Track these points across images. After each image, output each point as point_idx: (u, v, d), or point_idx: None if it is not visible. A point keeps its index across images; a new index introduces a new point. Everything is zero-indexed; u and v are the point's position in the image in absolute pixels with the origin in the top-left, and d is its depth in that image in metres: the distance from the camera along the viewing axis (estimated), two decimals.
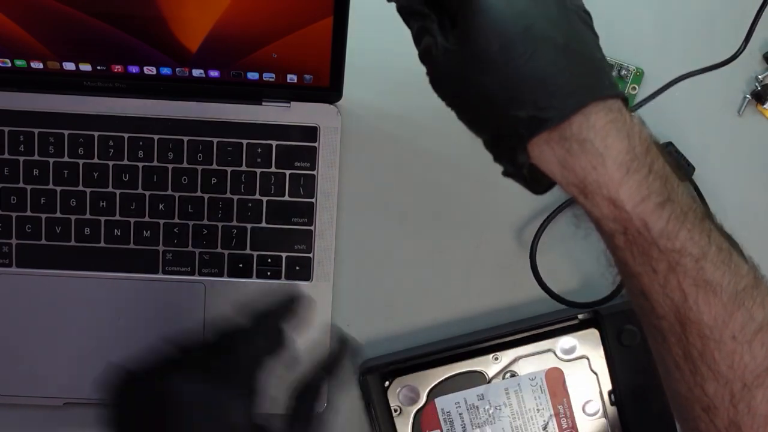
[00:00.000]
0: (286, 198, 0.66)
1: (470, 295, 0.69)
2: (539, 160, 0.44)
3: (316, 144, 0.66)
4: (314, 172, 0.66)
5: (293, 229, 0.67)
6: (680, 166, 0.67)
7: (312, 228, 0.67)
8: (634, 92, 0.68)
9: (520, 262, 0.68)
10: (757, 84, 0.69)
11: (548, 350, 0.65)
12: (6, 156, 0.65)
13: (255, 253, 0.67)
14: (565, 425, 0.65)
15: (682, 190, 0.45)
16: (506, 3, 0.43)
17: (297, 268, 0.67)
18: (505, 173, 0.46)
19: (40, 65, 0.62)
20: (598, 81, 0.44)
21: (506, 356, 0.65)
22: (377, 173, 0.68)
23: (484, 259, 0.69)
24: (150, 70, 0.63)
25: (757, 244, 0.68)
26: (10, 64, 0.62)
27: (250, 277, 0.67)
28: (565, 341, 0.65)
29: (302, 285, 0.67)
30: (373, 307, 0.69)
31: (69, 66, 0.63)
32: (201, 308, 0.67)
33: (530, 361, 0.65)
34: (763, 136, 0.69)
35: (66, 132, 0.65)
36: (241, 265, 0.67)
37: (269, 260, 0.67)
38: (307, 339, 0.66)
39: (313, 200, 0.66)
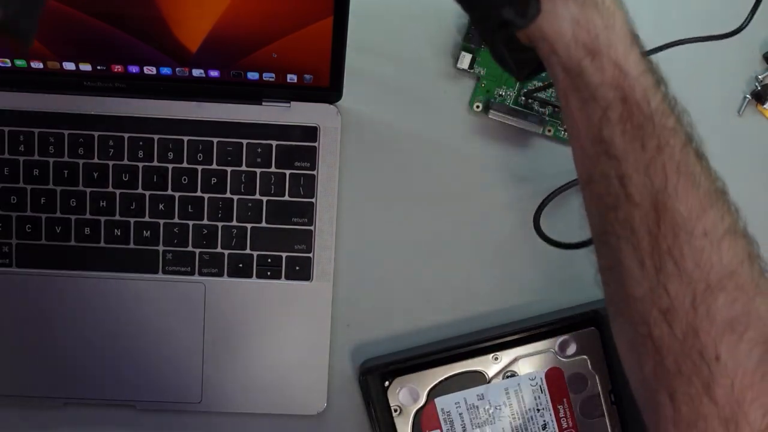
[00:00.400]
0: (286, 198, 0.66)
1: (470, 295, 0.69)
2: (550, 17, 0.44)
3: (316, 144, 0.66)
4: (314, 172, 0.66)
5: (293, 229, 0.67)
6: None
7: (312, 228, 0.67)
8: None
9: (521, 263, 0.68)
10: (757, 84, 0.69)
11: (548, 350, 0.65)
12: (6, 156, 0.65)
13: (255, 253, 0.67)
14: (565, 425, 0.65)
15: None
16: None
17: (297, 267, 0.67)
18: (496, 51, 0.46)
19: (40, 65, 0.62)
20: None
21: (506, 356, 0.65)
22: (377, 173, 0.68)
23: (484, 259, 0.69)
24: (150, 70, 0.63)
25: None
26: (10, 64, 0.62)
27: (250, 277, 0.67)
28: (565, 341, 0.65)
29: (302, 285, 0.67)
30: (374, 307, 0.69)
31: (69, 66, 0.63)
32: (201, 308, 0.67)
33: (530, 360, 0.65)
34: (763, 136, 0.69)
35: (66, 132, 0.65)
36: (241, 265, 0.67)
37: (269, 260, 0.67)
38: (307, 338, 0.67)
39: (313, 200, 0.66)
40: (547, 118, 0.67)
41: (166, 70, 0.63)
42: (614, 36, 0.43)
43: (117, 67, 0.63)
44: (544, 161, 0.68)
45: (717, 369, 0.43)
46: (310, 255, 0.67)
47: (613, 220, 0.46)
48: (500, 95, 0.68)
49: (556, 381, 0.65)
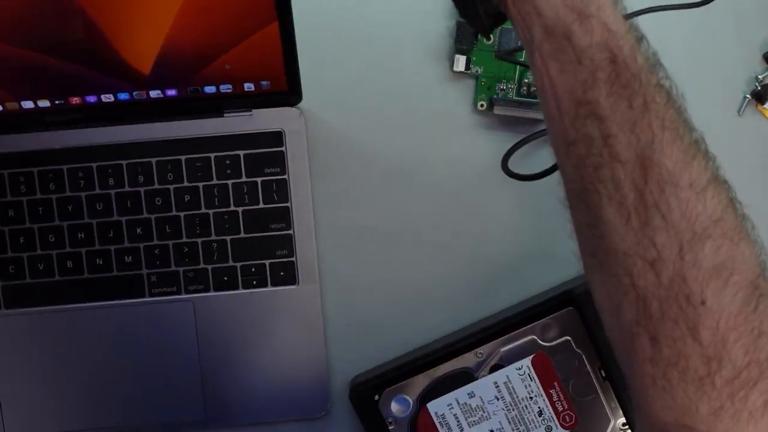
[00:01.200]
0: (261, 205, 0.66)
1: (446, 293, 0.69)
2: None
3: (282, 148, 0.66)
4: (285, 177, 0.66)
5: (272, 236, 0.67)
6: None
7: (291, 232, 0.67)
8: None
9: (493, 251, 0.69)
10: (757, 84, 0.68)
11: (530, 337, 0.65)
12: None
13: (238, 264, 0.67)
14: (560, 408, 0.65)
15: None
16: None
17: (282, 273, 0.67)
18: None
19: (0, 108, 0.63)
20: None
21: (489, 350, 0.65)
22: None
23: (457, 250, 0.69)
24: (108, 98, 0.63)
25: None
26: None
27: (237, 288, 0.67)
28: (545, 325, 0.65)
29: (290, 289, 0.67)
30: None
31: (28, 104, 0.63)
32: (192, 325, 0.67)
33: (514, 351, 0.65)
34: (764, 136, 0.69)
35: (35, 170, 0.66)
36: (226, 278, 0.67)
37: (253, 269, 0.67)
38: (302, 341, 0.67)
39: (288, 204, 0.66)
40: None
41: (123, 96, 0.63)
42: None
43: (75, 99, 0.63)
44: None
45: (703, 312, 0.43)
46: (293, 259, 0.67)
47: (595, 179, 0.46)
48: (502, 89, 0.68)
49: (543, 366, 0.65)
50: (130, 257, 0.66)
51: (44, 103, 0.63)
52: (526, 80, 0.68)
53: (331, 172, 0.68)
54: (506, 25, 0.66)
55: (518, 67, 0.67)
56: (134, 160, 0.66)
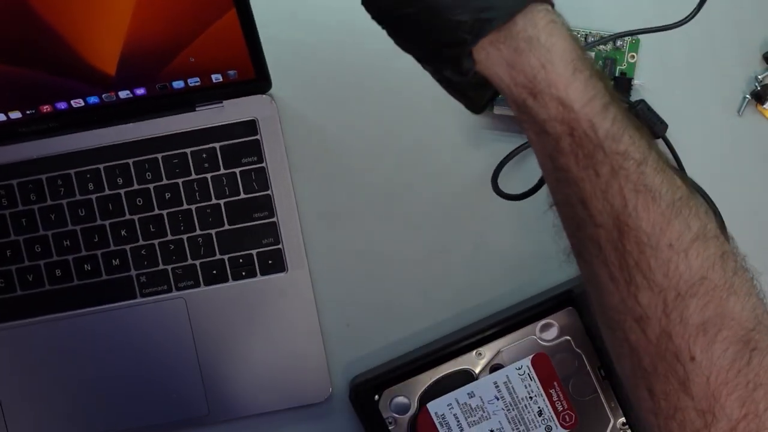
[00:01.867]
0: (242, 196, 0.66)
1: (447, 294, 0.69)
2: (485, 64, 0.44)
3: (257, 137, 0.66)
4: (263, 165, 0.66)
5: (257, 225, 0.67)
6: (654, 123, 0.66)
7: (274, 219, 0.67)
8: (633, 60, 0.67)
9: (492, 252, 0.68)
10: (756, 84, 0.68)
11: (529, 337, 0.65)
12: None
13: (226, 257, 0.67)
14: (560, 408, 0.64)
15: (619, 99, 0.46)
16: None
17: (270, 261, 0.67)
18: (449, 86, 0.46)
19: None
20: None
21: (489, 350, 0.65)
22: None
23: (457, 250, 0.68)
24: (78, 103, 0.63)
25: (757, 244, 0.68)
26: None
27: (227, 281, 0.67)
28: (545, 325, 0.65)
29: (279, 276, 0.67)
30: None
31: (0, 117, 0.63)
32: (186, 322, 0.67)
33: (513, 350, 0.65)
34: (763, 136, 0.69)
35: (14, 182, 0.66)
36: (215, 272, 0.67)
37: (241, 260, 0.67)
38: (297, 327, 0.67)
39: (269, 192, 0.66)
40: None
41: (93, 99, 0.63)
42: (552, 73, 0.43)
43: (45, 107, 0.63)
44: None
45: (692, 368, 0.44)
46: (280, 246, 0.67)
47: (583, 238, 0.46)
48: None
49: (543, 366, 0.64)
50: (117, 260, 0.67)
51: (16, 115, 0.63)
52: None
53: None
54: None
55: None
56: (111, 163, 0.66)
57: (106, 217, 0.66)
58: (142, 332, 0.67)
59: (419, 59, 0.46)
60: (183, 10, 0.57)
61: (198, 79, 0.63)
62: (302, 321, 0.67)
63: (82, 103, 0.63)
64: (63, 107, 0.63)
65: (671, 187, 0.44)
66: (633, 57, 0.67)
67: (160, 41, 0.59)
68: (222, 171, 0.66)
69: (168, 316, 0.67)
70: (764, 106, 0.68)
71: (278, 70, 0.64)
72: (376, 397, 0.65)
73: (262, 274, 0.67)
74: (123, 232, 0.66)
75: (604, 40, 0.65)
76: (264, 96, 0.66)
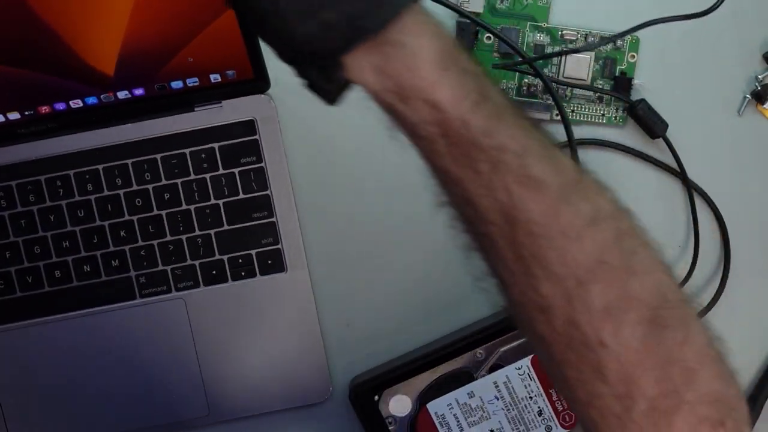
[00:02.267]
0: (241, 196, 0.66)
1: (446, 294, 0.68)
2: (354, 71, 0.43)
3: (256, 137, 0.66)
4: (262, 165, 0.66)
5: (256, 225, 0.67)
6: (655, 122, 0.67)
7: (274, 219, 0.66)
8: (633, 60, 0.67)
9: None
10: (757, 84, 0.68)
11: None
12: None
13: (225, 257, 0.67)
14: (560, 408, 0.64)
15: (497, 90, 0.45)
16: None
17: (269, 261, 0.67)
18: (310, 86, 0.45)
19: None
20: None
21: (488, 350, 0.65)
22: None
23: (456, 250, 0.68)
24: (77, 104, 0.63)
25: (756, 244, 0.69)
26: None
27: (226, 281, 0.67)
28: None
29: (279, 277, 0.67)
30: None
31: None
32: (186, 322, 0.67)
33: (513, 350, 0.65)
34: (763, 136, 0.69)
35: (13, 183, 0.66)
36: (214, 272, 0.67)
37: (240, 261, 0.67)
38: (297, 327, 0.67)
39: (268, 192, 0.66)
40: (551, 103, 0.67)
41: (92, 100, 0.63)
42: (418, 77, 0.42)
43: (44, 108, 0.63)
44: None
45: (603, 353, 0.43)
46: (279, 246, 0.67)
47: (477, 235, 0.46)
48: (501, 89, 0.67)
49: (543, 366, 0.64)
50: (116, 261, 0.67)
51: (14, 116, 0.63)
52: (526, 81, 0.67)
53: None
54: (505, 25, 0.66)
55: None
56: (110, 164, 0.66)
57: (105, 218, 0.66)
58: (141, 333, 0.67)
59: (282, 58, 0.44)
60: (181, 10, 0.57)
61: (197, 79, 0.63)
62: (302, 321, 0.67)
63: (81, 104, 0.63)
64: (61, 108, 0.63)
65: (557, 174, 0.43)
66: (633, 57, 0.67)
67: (159, 41, 0.59)
68: (221, 171, 0.66)
69: (168, 317, 0.67)
70: (764, 105, 0.68)
71: (277, 70, 0.64)
72: (376, 397, 0.65)
73: (262, 274, 0.67)
74: (122, 233, 0.66)
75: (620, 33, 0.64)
76: (263, 96, 0.66)
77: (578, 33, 0.67)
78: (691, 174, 0.68)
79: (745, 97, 0.68)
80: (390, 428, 0.65)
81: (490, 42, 0.67)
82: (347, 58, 0.43)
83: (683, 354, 0.43)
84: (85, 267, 0.66)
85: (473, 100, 0.43)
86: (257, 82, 0.64)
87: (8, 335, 0.67)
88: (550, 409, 0.64)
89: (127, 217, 0.66)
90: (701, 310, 0.67)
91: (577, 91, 0.67)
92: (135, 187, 0.66)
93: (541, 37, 0.67)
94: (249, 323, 0.67)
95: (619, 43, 0.67)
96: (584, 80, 0.67)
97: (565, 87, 0.67)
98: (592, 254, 0.43)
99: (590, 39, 0.67)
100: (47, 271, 0.66)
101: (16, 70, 0.59)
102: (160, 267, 0.67)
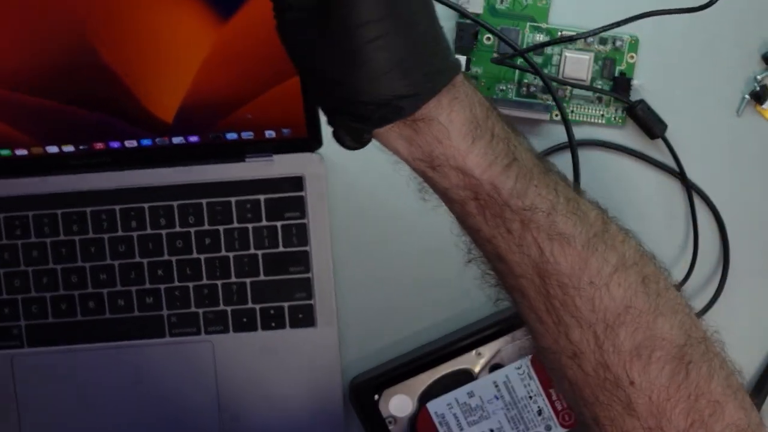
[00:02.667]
0: (281, 249, 0.67)
1: (446, 294, 0.69)
2: (383, 138, 0.45)
3: (303, 193, 0.67)
4: (305, 221, 0.67)
5: (292, 279, 0.67)
6: (654, 123, 0.67)
7: (309, 275, 0.67)
8: (632, 61, 0.67)
9: None
10: (756, 84, 0.68)
11: (529, 336, 0.65)
12: (4, 241, 0.66)
13: (257, 306, 0.67)
14: (560, 407, 0.65)
15: (525, 148, 0.46)
16: None
17: (300, 315, 0.68)
18: (336, 136, 0.46)
19: (25, 152, 0.64)
20: (446, 60, 0.44)
21: (488, 350, 0.65)
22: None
23: (457, 250, 0.68)
24: (131, 144, 0.64)
25: (755, 244, 0.69)
26: None
27: (256, 329, 0.68)
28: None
29: (308, 331, 0.67)
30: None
31: (52, 149, 0.64)
32: (212, 366, 0.68)
33: (513, 349, 0.65)
34: (762, 137, 0.69)
35: (59, 211, 0.66)
36: (245, 320, 0.68)
37: (272, 311, 0.67)
38: (318, 383, 0.68)
39: (307, 248, 0.67)
40: (551, 103, 0.67)
41: (146, 142, 0.64)
42: (450, 147, 0.44)
43: (99, 144, 0.64)
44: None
45: (633, 391, 0.45)
46: (312, 302, 0.67)
47: (506, 286, 0.48)
48: (501, 90, 0.68)
49: (542, 366, 0.64)
50: (150, 298, 0.67)
51: (69, 148, 0.64)
52: (525, 81, 0.67)
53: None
54: (505, 25, 0.67)
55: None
56: (156, 203, 0.66)
57: (144, 256, 0.67)
58: (166, 371, 0.68)
59: (318, 105, 0.46)
60: (249, 70, 0.58)
61: (252, 133, 0.64)
62: (325, 379, 0.68)
63: (135, 144, 0.64)
64: (116, 146, 0.64)
65: (584, 227, 0.46)
66: (632, 57, 0.67)
67: (221, 97, 0.60)
68: (264, 222, 0.67)
69: (194, 358, 0.68)
70: (763, 106, 0.68)
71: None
72: (376, 396, 0.65)
73: (292, 327, 0.68)
74: (159, 272, 0.67)
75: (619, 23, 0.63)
76: (314, 154, 0.66)
77: (578, 33, 0.66)
78: (690, 174, 0.68)
79: (744, 98, 0.68)
80: (390, 428, 0.65)
81: (490, 42, 0.67)
82: (379, 129, 0.44)
83: (709, 387, 0.45)
84: (119, 301, 0.67)
85: (503, 164, 0.45)
86: (310, 140, 0.65)
87: (37, 357, 0.67)
88: (550, 409, 0.65)
89: (166, 257, 0.67)
90: (700, 310, 0.68)
91: (576, 91, 0.68)
92: (178, 229, 0.67)
93: (541, 38, 0.67)
94: (273, 374, 0.68)
95: (618, 43, 0.67)
96: (584, 80, 0.67)
97: (565, 87, 0.67)
98: (619, 300, 0.45)
99: (589, 39, 0.67)
100: (81, 301, 0.67)
101: (77, 109, 0.60)
102: (193, 309, 0.68)
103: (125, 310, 0.67)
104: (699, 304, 0.68)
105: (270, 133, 0.64)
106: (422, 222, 0.69)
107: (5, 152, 0.64)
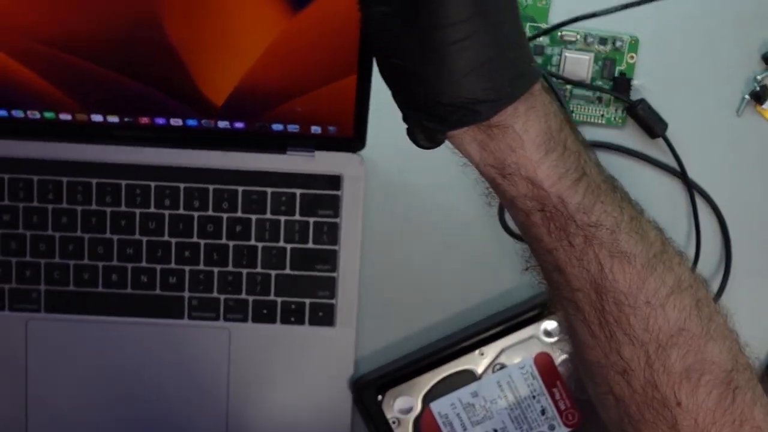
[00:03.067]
0: (310, 245, 0.67)
1: (449, 294, 0.69)
2: (456, 141, 0.45)
3: (339, 192, 0.67)
4: (338, 220, 0.67)
5: (317, 276, 0.67)
6: (655, 122, 0.67)
7: (335, 275, 0.67)
8: (632, 61, 0.67)
9: (497, 254, 0.69)
10: (756, 84, 0.68)
11: (532, 336, 0.65)
12: (34, 204, 0.66)
13: (279, 299, 0.67)
14: (563, 407, 0.65)
15: (594, 163, 0.47)
16: None
17: (320, 314, 0.67)
18: (410, 134, 0.46)
19: (69, 117, 0.63)
20: (528, 67, 0.44)
21: (491, 350, 0.66)
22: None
23: (460, 251, 0.69)
24: (176, 122, 0.64)
25: (757, 244, 0.70)
26: (39, 116, 0.63)
27: (274, 322, 0.68)
28: (547, 324, 0.65)
29: (326, 330, 0.67)
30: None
31: (97, 118, 0.63)
32: (226, 353, 0.68)
33: (516, 350, 0.66)
34: (762, 137, 0.69)
35: (94, 181, 0.66)
36: (265, 311, 0.67)
37: (293, 306, 0.67)
38: (331, 383, 0.67)
39: (336, 248, 0.67)
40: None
41: (192, 122, 0.64)
42: (522, 156, 0.44)
43: (144, 118, 0.64)
44: None
45: (679, 412, 0.46)
46: (334, 302, 0.67)
47: (560, 297, 0.48)
48: None
49: (546, 365, 0.65)
50: (174, 278, 0.67)
51: (113, 119, 0.64)
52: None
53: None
54: None
55: None
56: (192, 185, 0.66)
57: (174, 235, 0.67)
58: (180, 353, 0.68)
59: (396, 101, 0.46)
60: (309, 63, 0.58)
61: (297, 126, 0.64)
62: (338, 379, 0.68)
63: (180, 123, 0.64)
64: (161, 123, 0.64)
65: (645, 246, 0.46)
66: (632, 57, 0.67)
67: (276, 87, 0.60)
68: (297, 217, 0.67)
69: (209, 343, 0.68)
70: (763, 106, 0.68)
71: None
72: (380, 397, 0.66)
73: (311, 324, 0.68)
74: (186, 253, 0.67)
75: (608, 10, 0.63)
76: (355, 155, 0.66)
77: (577, 34, 0.67)
78: (691, 174, 0.68)
79: (744, 98, 0.68)
80: (394, 428, 0.65)
81: None
82: (453, 131, 0.44)
83: (752, 414, 0.46)
84: (142, 277, 0.67)
85: (572, 178, 0.45)
86: (354, 140, 0.65)
87: (52, 324, 0.67)
88: (553, 408, 0.65)
89: (195, 239, 0.67)
90: None
91: (576, 91, 0.68)
92: (210, 213, 0.67)
93: (541, 38, 0.67)
94: (285, 368, 0.68)
95: (618, 43, 0.67)
96: (584, 80, 0.67)
97: (565, 87, 0.67)
98: (674, 321, 0.46)
99: (589, 40, 0.67)
100: (105, 273, 0.67)
101: (129, 80, 0.60)
102: (215, 294, 0.67)
103: (147, 287, 0.67)
104: None
105: (315, 129, 0.64)
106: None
107: (49, 115, 0.63)
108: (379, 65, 0.45)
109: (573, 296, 0.47)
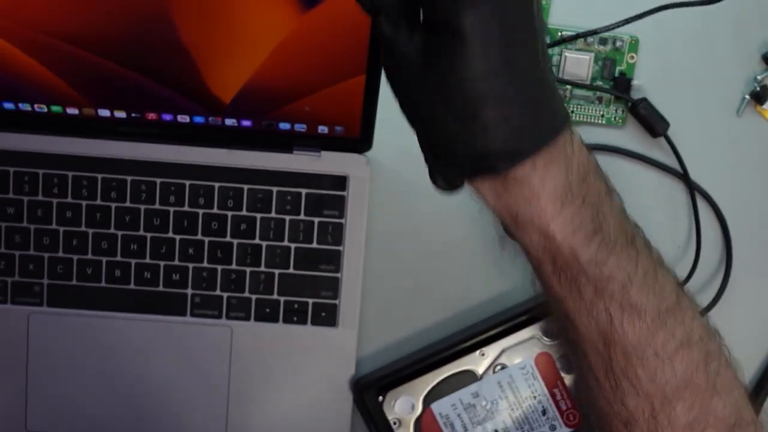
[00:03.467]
0: (314, 245, 0.67)
1: (449, 294, 0.69)
2: (474, 185, 0.45)
3: (345, 193, 0.66)
4: (342, 221, 0.67)
5: (320, 276, 0.67)
6: (656, 121, 0.67)
7: (339, 275, 0.67)
8: (632, 61, 0.67)
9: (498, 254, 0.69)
10: (756, 84, 0.68)
11: (532, 337, 0.65)
12: (40, 197, 0.66)
13: (282, 299, 0.67)
14: (564, 407, 0.65)
15: (615, 213, 0.46)
16: (491, 33, 0.40)
17: (323, 314, 0.67)
18: (432, 177, 0.47)
19: (76, 111, 0.63)
20: (550, 118, 0.43)
21: (492, 350, 0.65)
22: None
23: (460, 252, 0.69)
24: (183, 119, 0.63)
25: (757, 244, 0.70)
26: (46, 110, 0.63)
27: (277, 321, 0.67)
28: (547, 324, 0.65)
29: (328, 330, 0.67)
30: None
31: (104, 113, 0.63)
32: (227, 351, 0.67)
33: (517, 350, 0.65)
34: (762, 137, 0.69)
35: (99, 176, 0.66)
36: (268, 310, 0.67)
37: (296, 306, 0.67)
38: (332, 383, 0.67)
39: (340, 248, 0.67)
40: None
41: (199, 119, 0.63)
42: (537, 208, 0.44)
43: (151, 114, 0.63)
44: None
45: None
46: (336, 302, 0.67)
47: (569, 341, 0.48)
48: None
49: (546, 366, 0.65)
50: (177, 275, 0.67)
51: (120, 114, 0.64)
52: None
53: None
54: None
55: None
56: (198, 182, 0.66)
57: (178, 232, 0.67)
58: (181, 350, 0.67)
59: (420, 141, 0.46)
60: (317, 63, 0.58)
61: (305, 126, 0.64)
62: (339, 380, 0.68)
63: (187, 120, 0.64)
64: (168, 119, 0.64)
65: (657, 300, 0.46)
66: (632, 57, 0.67)
67: (284, 86, 0.60)
68: (302, 216, 0.67)
69: (211, 341, 0.68)
70: (763, 106, 0.68)
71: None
72: (380, 398, 0.66)
73: (313, 324, 0.67)
74: (190, 250, 0.67)
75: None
76: (361, 156, 0.66)
77: (577, 33, 0.66)
78: (691, 174, 0.68)
79: (744, 98, 0.68)
80: (394, 429, 0.65)
81: None
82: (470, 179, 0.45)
83: None
84: (145, 273, 0.67)
85: (587, 232, 0.44)
86: (361, 142, 0.65)
87: (54, 318, 0.67)
88: (554, 409, 0.65)
89: (199, 237, 0.67)
90: (702, 310, 0.68)
91: (576, 91, 0.68)
92: (215, 210, 0.66)
93: None
94: (287, 368, 0.68)
95: (618, 43, 0.67)
96: (584, 80, 0.67)
97: (565, 87, 0.67)
98: (681, 375, 0.46)
99: (589, 40, 0.67)
100: (108, 268, 0.67)
101: (137, 76, 0.60)
102: (218, 292, 0.67)
103: (150, 284, 0.67)
104: (701, 303, 0.68)
105: (323, 129, 0.64)
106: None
107: (56, 109, 0.63)
108: (400, 106, 0.45)
109: (580, 343, 0.47)
